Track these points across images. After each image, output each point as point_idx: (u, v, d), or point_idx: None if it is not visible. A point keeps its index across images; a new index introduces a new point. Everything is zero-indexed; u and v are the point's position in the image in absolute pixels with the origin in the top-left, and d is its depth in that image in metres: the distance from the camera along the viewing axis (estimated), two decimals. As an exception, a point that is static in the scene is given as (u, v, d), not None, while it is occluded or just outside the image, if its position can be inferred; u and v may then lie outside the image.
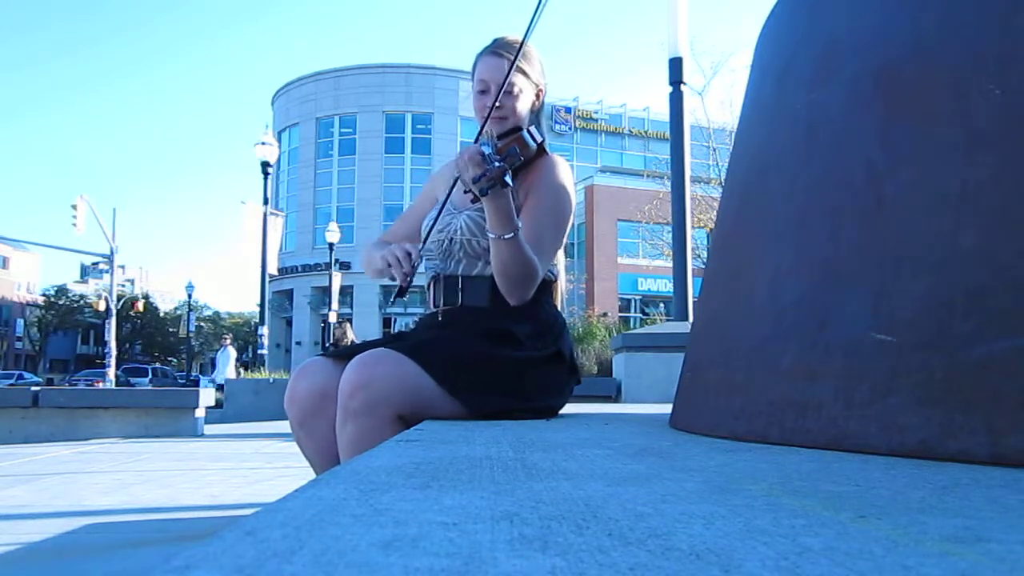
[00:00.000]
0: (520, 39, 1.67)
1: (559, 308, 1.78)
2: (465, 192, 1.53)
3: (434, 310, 1.71)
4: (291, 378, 1.61)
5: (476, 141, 1.61)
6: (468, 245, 1.66)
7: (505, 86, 1.63)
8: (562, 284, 1.81)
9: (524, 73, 1.68)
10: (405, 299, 1.57)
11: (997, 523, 0.52)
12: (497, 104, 1.63)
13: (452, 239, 1.68)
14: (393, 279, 1.59)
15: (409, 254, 1.57)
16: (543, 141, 1.66)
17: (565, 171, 1.71)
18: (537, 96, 1.75)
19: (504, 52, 1.68)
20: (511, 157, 1.44)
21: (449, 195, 1.70)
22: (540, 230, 1.60)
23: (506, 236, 1.48)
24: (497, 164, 1.40)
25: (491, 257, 1.54)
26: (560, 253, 1.73)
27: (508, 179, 1.42)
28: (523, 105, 1.70)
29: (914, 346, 0.92)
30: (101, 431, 6.05)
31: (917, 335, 0.92)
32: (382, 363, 1.43)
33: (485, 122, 1.65)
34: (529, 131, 1.62)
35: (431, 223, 1.72)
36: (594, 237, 35.54)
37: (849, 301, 1.04)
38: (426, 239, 1.71)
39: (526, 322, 1.61)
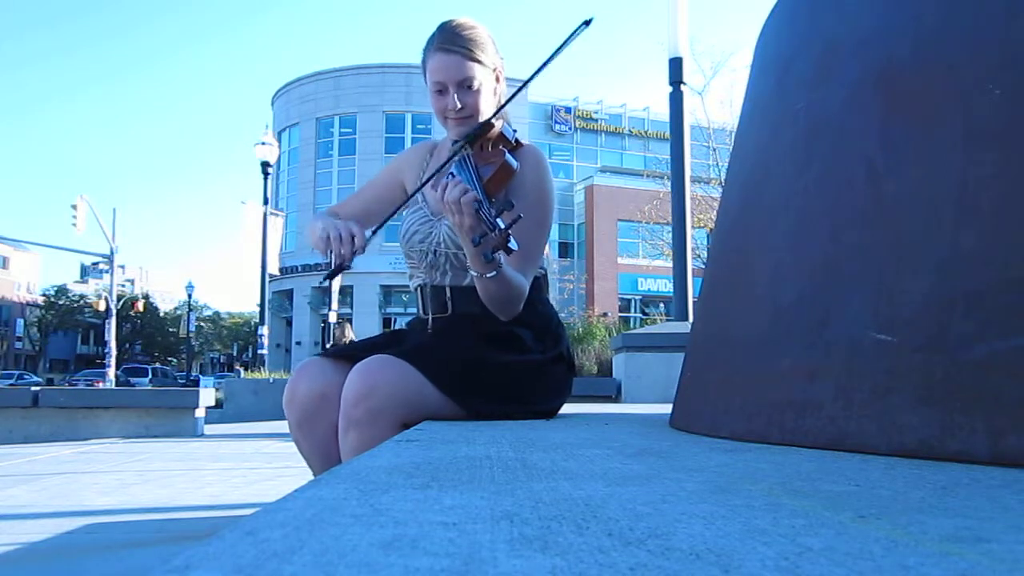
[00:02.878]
0: (469, 21, 1.61)
1: (550, 299, 1.74)
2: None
3: (424, 318, 1.67)
4: (290, 379, 1.58)
5: (454, 155, 1.54)
6: (455, 258, 1.60)
7: (465, 83, 1.57)
8: (550, 258, 1.73)
9: (479, 62, 1.58)
10: (345, 272, 1.47)
11: (997, 523, 0.52)
12: (459, 105, 1.57)
13: (436, 251, 1.62)
14: (328, 255, 1.48)
15: (353, 237, 1.48)
16: (516, 133, 1.59)
17: (540, 162, 1.63)
18: (496, 80, 1.65)
19: (454, 47, 1.56)
20: (511, 212, 1.30)
21: (418, 192, 1.60)
22: (526, 240, 1.50)
23: (489, 275, 1.43)
24: (500, 229, 1.28)
25: (476, 286, 1.49)
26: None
27: (513, 244, 1.30)
28: (486, 98, 1.61)
29: (914, 346, 0.92)
30: (101, 431, 6.05)
31: (917, 335, 0.92)
32: (385, 371, 1.41)
33: (466, 140, 1.55)
34: (505, 149, 1.52)
35: (406, 226, 1.66)
36: (594, 237, 35.54)
37: (849, 301, 1.04)
38: (376, 230, 1.60)
39: (525, 325, 1.58)
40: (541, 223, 1.60)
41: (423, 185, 1.57)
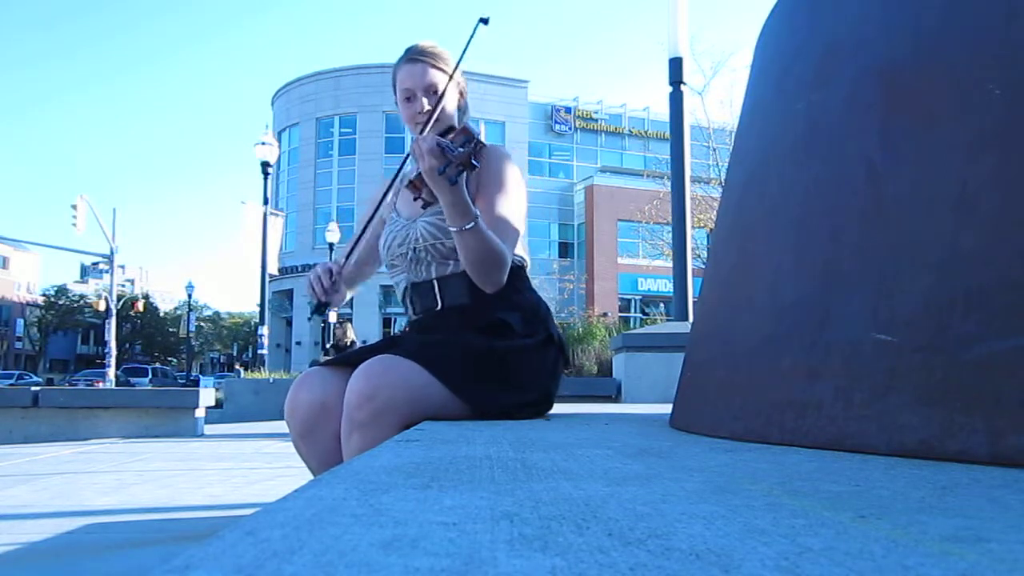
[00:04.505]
0: (431, 42, 1.72)
1: (541, 295, 1.79)
2: (415, 199, 1.54)
3: (414, 318, 1.71)
4: (291, 390, 1.59)
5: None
6: (434, 249, 1.65)
7: (431, 88, 1.67)
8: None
9: (443, 71, 1.70)
10: (324, 314, 1.62)
11: (997, 523, 0.52)
12: (431, 109, 1.65)
13: (416, 248, 1.68)
14: (313, 296, 1.63)
15: (330, 271, 1.62)
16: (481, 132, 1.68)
17: (505, 154, 1.72)
18: (460, 93, 1.77)
19: (420, 57, 1.69)
20: (471, 140, 1.44)
21: (381, 204, 1.72)
22: (498, 213, 1.61)
23: (467, 226, 1.48)
24: (460, 149, 1.41)
25: (458, 251, 1.55)
26: (521, 240, 1.73)
27: (475, 161, 1.43)
28: (451, 104, 1.72)
29: (914, 346, 0.92)
30: (101, 431, 6.05)
31: (917, 335, 0.92)
32: (389, 372, 1.43)
33: (425, 127, 1.64)
34: (469, 126, 1.62)
35: (384, 239, 1.74)
36: (594, 237, 35.54)
37: (849, 301, 1.04)
38: (351, 251, 1.71)
39: (513, 311, 1.61)
40: (513, 205, 1.67)
41: (395, 177, 1.68)
